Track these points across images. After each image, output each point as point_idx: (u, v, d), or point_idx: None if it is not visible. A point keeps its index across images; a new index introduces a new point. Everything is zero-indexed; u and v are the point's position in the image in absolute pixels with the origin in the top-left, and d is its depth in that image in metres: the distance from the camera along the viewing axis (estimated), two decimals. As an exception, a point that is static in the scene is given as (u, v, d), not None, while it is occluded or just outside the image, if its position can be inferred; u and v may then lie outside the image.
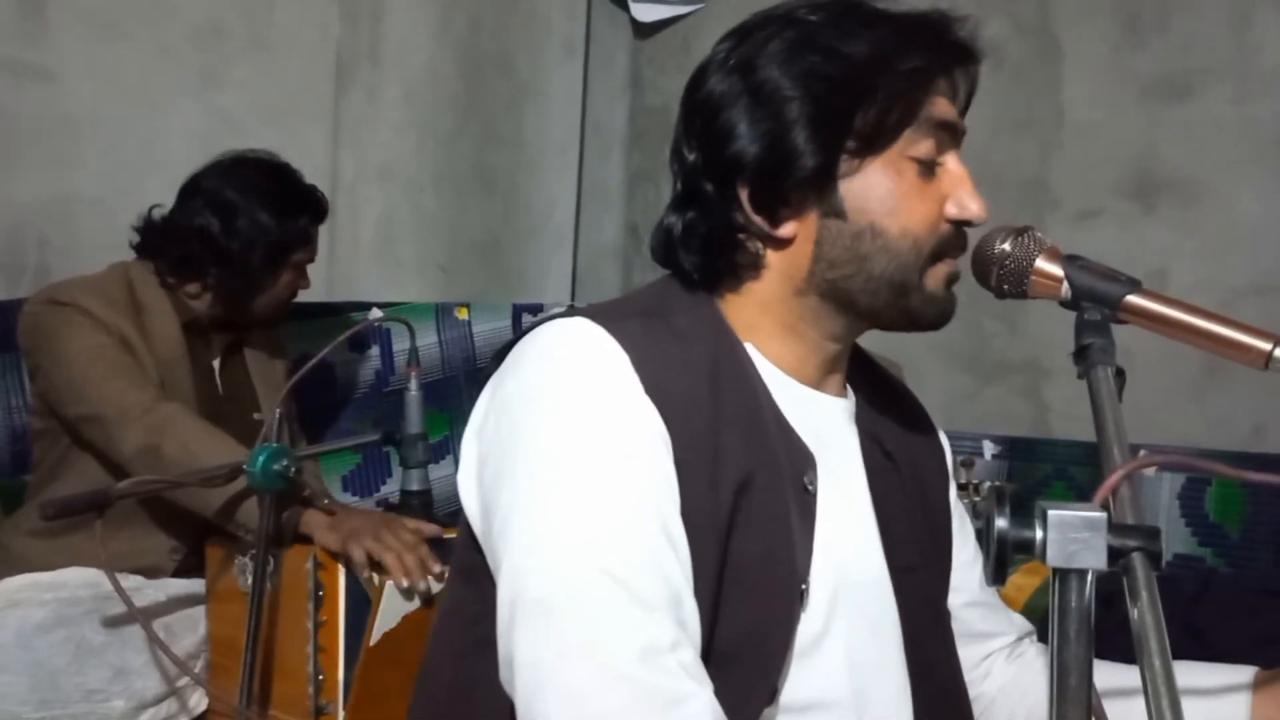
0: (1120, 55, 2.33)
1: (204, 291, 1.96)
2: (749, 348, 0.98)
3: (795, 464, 0.94)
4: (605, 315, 0.92)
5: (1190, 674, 0.99)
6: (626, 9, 3.16)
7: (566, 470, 0.86)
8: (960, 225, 0.96)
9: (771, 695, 0.90)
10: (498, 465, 0.90)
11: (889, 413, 1.07)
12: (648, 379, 0.89)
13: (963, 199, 0.95)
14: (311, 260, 2.06)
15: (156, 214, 1.98)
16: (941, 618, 1.05)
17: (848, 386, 1.05)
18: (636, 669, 0.79)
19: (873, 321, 0.99)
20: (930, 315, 0.97)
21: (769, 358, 0.98)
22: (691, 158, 0.98)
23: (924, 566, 1.03)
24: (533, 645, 0.82)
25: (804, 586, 0.92)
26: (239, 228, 1.92)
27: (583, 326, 0.91)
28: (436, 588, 1.61)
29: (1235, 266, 2.17)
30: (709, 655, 0.86)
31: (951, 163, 0.96)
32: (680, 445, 0.88)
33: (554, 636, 0.81)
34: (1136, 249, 2.21)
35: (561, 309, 2.84)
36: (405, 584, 1.57)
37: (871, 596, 0.98)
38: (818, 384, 1.01)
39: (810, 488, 0.94)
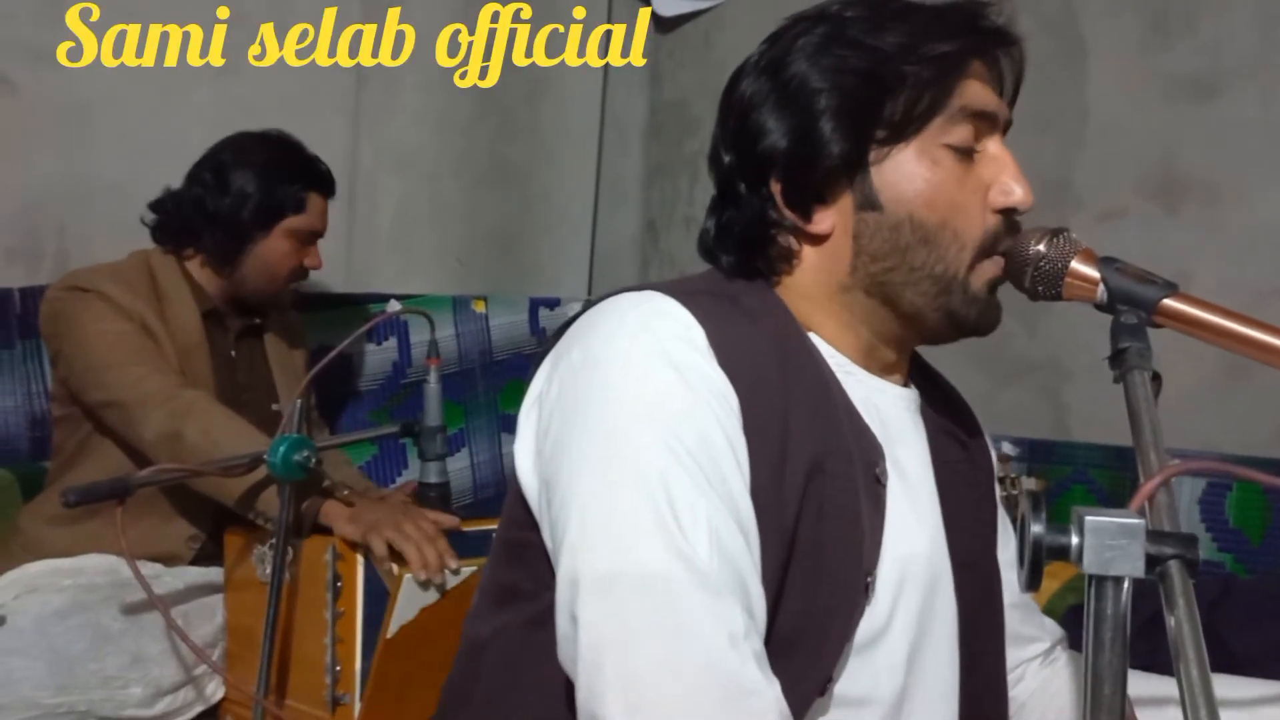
0: (1146, 54, 2.31)
1: (197, 254, 1.98)
2: (811, 335, 0.96)
3: (866, 453, 0.92)
4: (674, 290, 0.90)
5: (1225, 686, 0.96)
6: (648, 2, 3.15)
7: (635, 441, 0.82)
8: (1008, 214, 0.94)
9: (824, 686, 0.88)
10: (560, 435, 0.87)
11: (945, 410, 1.06)
12: (723, 354, 0.86)
13: (1006, 183, 0.93)
14: (313, 231, 2.05)
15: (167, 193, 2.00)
16: (997, 614, 1.04)
17: (909, 380, 1.04)
18: (702, 656, 0.76)
19: (918, 325, 0.97)
20: (973, 317, 0.95)
21: (832, 344, 0.97)
22: (727, 159, 0.98)
23: (982, 562, 1.02)
24: (594, 625, 0.79)
25: (870, 579, 0.90)
26: (228, 185, 1.95)
27: (655, 299, 0.89)
28: (453, 581, 1.61)
29: (1260, 268, 2.14)
30: (766, 640, 0.84)
31: (993, 147, 0.94)
32: (752, 424, 0.85)
33: (616, 617, 0.78)
34: (1160, 250, 2.18)
35: (579, 303, 2.83)
36: (424, 577, 1.57)
37: (934, 592, 0.96)
38: (881, 374, 0.99)
39: (881, 479, 0.92)
